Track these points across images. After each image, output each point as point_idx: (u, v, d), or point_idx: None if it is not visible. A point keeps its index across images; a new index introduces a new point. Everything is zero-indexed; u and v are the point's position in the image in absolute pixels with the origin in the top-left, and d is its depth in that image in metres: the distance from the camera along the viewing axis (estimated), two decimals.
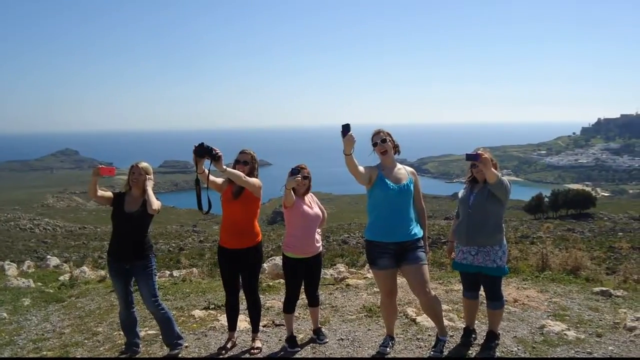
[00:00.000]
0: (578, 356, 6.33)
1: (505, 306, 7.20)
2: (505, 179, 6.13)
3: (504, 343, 6.74)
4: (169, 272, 13.63)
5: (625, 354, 6.39)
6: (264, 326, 7.72)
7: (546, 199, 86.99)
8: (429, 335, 7.13)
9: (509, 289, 9.43)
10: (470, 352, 6.52)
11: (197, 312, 8.76)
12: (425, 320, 7.59)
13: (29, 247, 58.46)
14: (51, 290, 11.44)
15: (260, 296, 7.44)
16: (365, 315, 8.21)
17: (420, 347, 6.74)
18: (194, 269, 14.21)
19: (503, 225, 6.43)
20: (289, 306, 6.84)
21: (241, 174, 6.28)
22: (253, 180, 6.45)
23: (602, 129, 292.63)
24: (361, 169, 5.98)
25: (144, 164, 6.70)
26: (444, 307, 7.86)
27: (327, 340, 7.10)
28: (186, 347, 7.04)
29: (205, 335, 7.58)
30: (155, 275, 6.81)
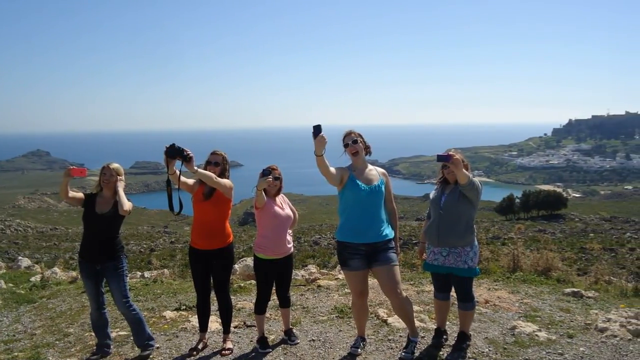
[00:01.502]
0: (549, 357, 6.37)
1: (477, 307, 7.24)
2: (477, 180, 6.15)
3: (475, 344, 6.77)
4: (140, 273, 13.57)
5: (596, 355, 6.43)
6: (235, 327, 7.72)
7: (517, 200, 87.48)
8: (400, 336, 7.14)
9: (480, 290, 9.48)
10: (441, 353, 6.54)
11: (168, 313, 8.72)
12: (396, 321, 7.61)
13: None
14: (22, 291, 11.35)
15: (232, 297, 7.46)
16: (336, 316, 8.22)
17: (391, 348, 6.75)
18: (165, 269, 14.18)
19: (474, 226, 6.45)
20: (260, 307, 6.83)
21: (212, 175, 6.28)
22: (224, 181, 6.44)
23: (573, 130, 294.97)
24: (332, 170, 5.99)
25: (115, 165, 6.69)
26: (415, 308, 7.89)
27: (299, 341, 7.10)
28: (157, 348, 7.00)
29: (177, 336, 7.55)
30: (127, 276, 6.80)
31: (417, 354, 6.46)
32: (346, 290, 9.64)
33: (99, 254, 6.54)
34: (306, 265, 13.97)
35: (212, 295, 6.96)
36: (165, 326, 8.09)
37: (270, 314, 8.25)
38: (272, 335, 7.36)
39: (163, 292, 10.60)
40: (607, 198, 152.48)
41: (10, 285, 12.20)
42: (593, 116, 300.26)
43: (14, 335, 8.16)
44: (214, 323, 7.68)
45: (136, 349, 6.92)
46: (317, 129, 5.55)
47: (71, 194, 6.53)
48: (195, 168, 6.10)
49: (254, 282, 10.00)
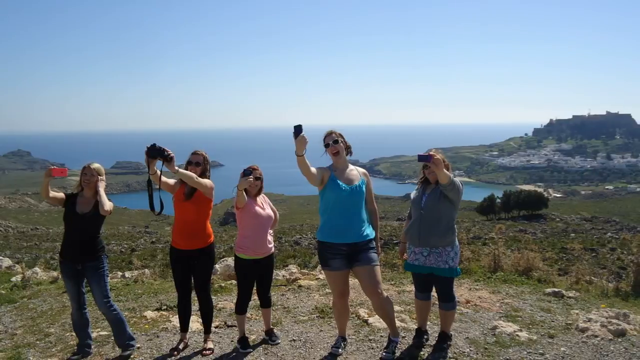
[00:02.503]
0: (530, 357, 6.40)
1: (458, 307, 7.25)
2: (457, 179, 6.17)
3: (456, 344, 6.79)
4: (121, 273, 13.50)
5: (577, 355, 6.46)
6: (216, 327, 7.71)
7: (498, 200, 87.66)
8: (381, 336, 7.15)
9: (461, 290, 9.51)
10: (422, 353, 6.56)
11: (149, 313, 8.69)
12: (377, 321, 7.62)
13: None
14: (3, 292, 11.26)
15: (212, 297, 7.43)
16: (317, 316, 8.23)
17: (372, 348, 6.76)
18: (146, 269, 14.10)
19: (455, 226, 6.47)
20: (240, 307, 6.82)
21: (193, 175, 6.26)
22: (205, 181, 6.43)
23: (554, 130, 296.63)
24: (313, 170, 5.98)
25: (95, 165, 6.66)
26: (396, 308, 7.90)
27: (279, 341, 7.10)
28: (138, 348, 6.98)
29: (157, 336, 7.53)
30: (107, 276, 6.76)
31: (398, 354, 6.47)
32: (327, 290, 9.64)
33: (80, 254, 6.51)
34: (287, 265, 13.93)
35: (193, 295, 6.95)
36: (146, 326, 8.06)
37: (251, 314, 8.24)
38: (253, 335, 7.36)
39: (144, 292, 10.57)
40: (587, 198, 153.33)
41: None
42: (574, 116, 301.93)
43: None
44: (195, 323, 7.66)
45: (117, 349, 6.89)
46: (297, 129, 5.54)
47: (52, 194, 6.51)
48: (176, 168, 6.07)
49: (234, 282, 9.98)
